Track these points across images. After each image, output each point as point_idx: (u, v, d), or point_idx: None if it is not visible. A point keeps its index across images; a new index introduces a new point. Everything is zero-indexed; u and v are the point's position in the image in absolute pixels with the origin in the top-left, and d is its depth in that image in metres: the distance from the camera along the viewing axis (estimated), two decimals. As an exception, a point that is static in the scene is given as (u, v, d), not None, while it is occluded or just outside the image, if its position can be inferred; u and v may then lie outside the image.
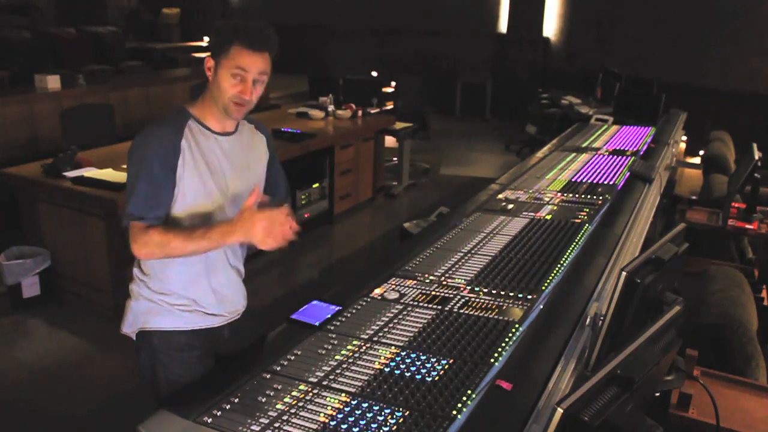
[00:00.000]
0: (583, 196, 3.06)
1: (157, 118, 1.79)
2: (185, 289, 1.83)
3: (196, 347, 1.84)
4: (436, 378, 1.56)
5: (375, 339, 1.76)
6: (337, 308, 1.93)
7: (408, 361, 1.64)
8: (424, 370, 1.59)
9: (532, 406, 1.48)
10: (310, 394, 1.51)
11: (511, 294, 2.02)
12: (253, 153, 1.93)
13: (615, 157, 3.89)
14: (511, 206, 2.89)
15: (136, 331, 1.86)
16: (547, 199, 3.00)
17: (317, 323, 1.84)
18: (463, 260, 2.29)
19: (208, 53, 1.77)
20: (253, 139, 1.94)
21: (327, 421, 1.41)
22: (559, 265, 2.23)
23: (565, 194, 3.08)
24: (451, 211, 2.97)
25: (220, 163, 1.80)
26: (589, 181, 3.33)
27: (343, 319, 1.88)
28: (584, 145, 4.31)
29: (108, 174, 3.71)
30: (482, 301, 1.97)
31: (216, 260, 1.86)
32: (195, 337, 1.85)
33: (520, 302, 1.97)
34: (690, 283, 2.78)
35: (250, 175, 1.89)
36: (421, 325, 1.82)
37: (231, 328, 1.95)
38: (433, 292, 2.04)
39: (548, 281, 2.11)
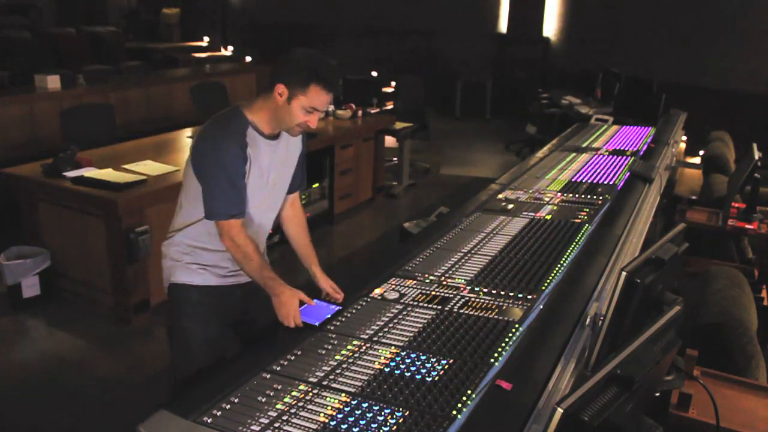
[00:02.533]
0: (583, 196, 3.06)
1: (218, 120, 1.97)
2: (206, 253, 2.05)
3: (204, 303, 2.06)
4: (436, 378, 1.56)
5: (375, 339, 1.76)
6: (338, 308, 1.93)
7: (408, 361, 1.64)
8: (424, 370, 1.59)
9: (532, 406, 1.48)
10: (310, 394, 1.51)
11: (511, 294, 2.02)
12: (292, 150, 2.14)
13: (615, 157, 3.89)
14: (511, 206, 2.89)
15: (167, 286, 2.11)
16: (547, 199, 3.00)
17: (317, 323, 1.84)
18: (463, 260, 2.29)
19: (279, 78, 1.89)
20: (295, 138, 2.11)
21: (327, 421, 1.41)
22: (559, 265, 2.23)
23: (565, 194, 3.08)
24: (451, 211, 2.97)
25: (269, 163, 2.02)
26: (589, 181, 3.33)
27: (343, 319, 1.88)
28: (584, 145, 4.31)
29: (108, 174, 3.71)
30: (482, 301, 1.97)
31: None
32: (204, 294, 2.06)
33: (520, 302, 1.97)
34: (690, 283, 2.79)
35: (288, 169, 2.14)
36: (421, 325, 1.82)
37: (243, 290, 2.12)
38: (433, 292, 2.04)
39: (548, 281, 2.11)
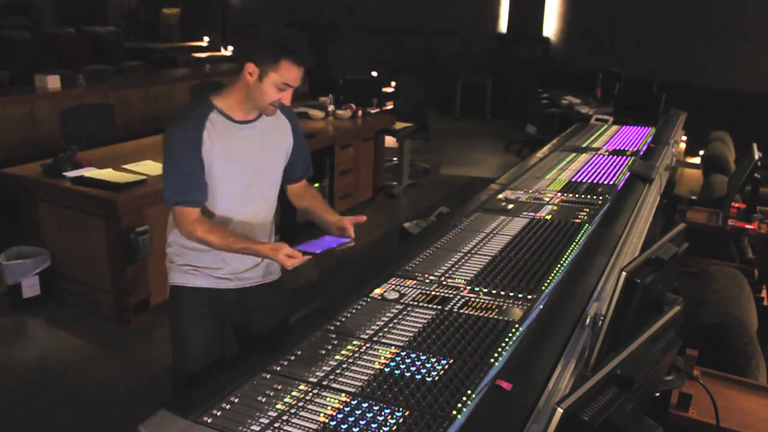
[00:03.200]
0: (583, 196, 3.06)
1: (184, 109, 1.96)
2: (196, 254, 2.02)
3: (199, 305, 2.03)
4: (436, 378, 1.56)
5: (375, 339, 1.76)
6: (345, 240, 1.97)
7: (408, 361, 1.64)
8: (424, 370, 1.59)
9: (532, 406, 1.48)
10: (310, 394, 1.51)
11: (511, 294, 2.02)
12: (275, 137, 2.06)
13: (615, 157, 3.89)
14: (511, 206, 2.89)
15: (169, 287, 2.09)
16: (547, 199, 3.00)
17: (318, 251, 1.87)
18: (463, 260, 2.29)
19: (248, 57, 1.84)
20: (277, 124, 2.06)
21: (327, 421, 1.41)
22: (559, 265, 2.23)
23: (565, 194, 3.08)
24: (451, 211, 2.97)
25: (241, 148, 1.95)
26: (589, 181, 3.33)
27: (343, 319, 1.88)
28: (584, 145, 4.31)
29: (108, 174, 3.71)
30: (482, 301, 1.97)
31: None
32: (199, 296, 2.03)
33: (520, 302, 1.97)
34: (690, 283, 2.79)
35: (272, 158, 2.06)
36: (421, 325, 1.82)
37: (239, 294, 2.10)
38: (433, 292, 2.04)
39: (548, 281, 2.11)
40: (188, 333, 2.02)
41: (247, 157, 1.97)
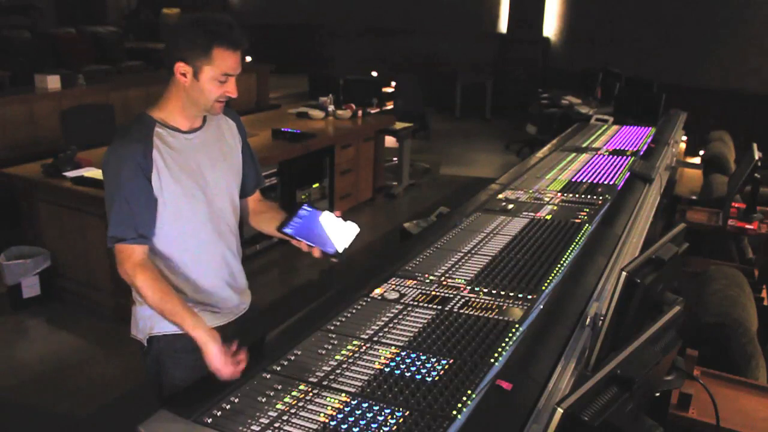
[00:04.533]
0: (583, 196, 3.06)
1: (120, 130, 1.72)
2: (193, 291, 1.82)
3: (198, 348, 1.78)
4: (436, 378, 1.56)
5: (375, 339, 1.76)
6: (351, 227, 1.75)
7: (408, 361, 1.64)
8: (424, 370, 1.59)
9: (532, 406, 1.48)
10: (310, 394, 1.51)
11: (511, 294, 2.02)
12: (226, 141, 1.87)
13: (615, 157, 3.89)
14: (511, 206, 2.89)
15: (146, 337, 1.85)
16: (547, 199, 3.00)
17: (333, 251, 1.72)
18: (463, 260, 2.29)
19: (175, 57, 1.65)
20: (222, 127, 1.87)
21: (327, 421, 1.41)
22: (559, 265, 2.23)
23: (565, 194, 3.08)
24: (451, 211, 2.97)
25: (195, 160, 1.75)
26: (589, 181, 3.33)
27: (343, 319, 1.88)
28: (584, 145, 4.31)
29: (108, 174, 3.70)
30: (482, 301, 1.97)
31: (216, 257, 1.85)
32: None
33: (520, 302, 1.97)
34: (690, 283, 2.78)
35: (226, 165, 1.86)
36: (421, 325, 1.82)
37: (234, 326, 1.93)
38: (433, 292, 2.04)
39: (548, 281, 2.11)
40: (183, 380, 1.75)
41: (205, 169, 1.77)
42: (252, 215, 2.02)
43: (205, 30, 1.62)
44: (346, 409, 1.45)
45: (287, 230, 1.73)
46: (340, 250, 1.69)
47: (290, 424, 1.40)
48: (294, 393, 1.51)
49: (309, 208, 1.73)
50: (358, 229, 1.72)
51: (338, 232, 1.73)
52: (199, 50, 1.62)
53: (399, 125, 6.13)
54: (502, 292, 2.03)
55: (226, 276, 1.89)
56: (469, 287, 2.07)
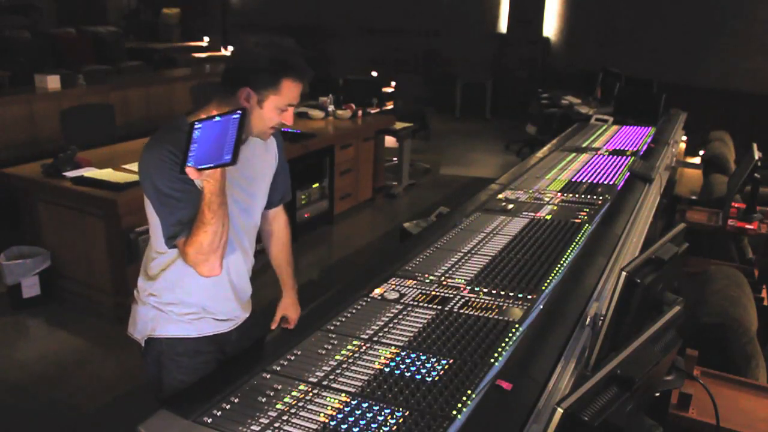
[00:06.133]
0: (583, 196, 3.06)
1: (159, 131, 1.67)
2: (201, 297, 1.77)
3: (202, 352, 1.80)
4: (436, 378, 1.56)
5: (375, 339, 1.76)
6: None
7: (408, 361, 1.64)
8: (424, 370, 1.59)
9: (532, 406, 1.48)
10: (310, 394, 1.51)
11: (511, 294, 2.02)
12: (264, 159, 1.85)
13: (615, 157, 3.89)
14: (511, 206, 2.89)
15: (144, 338, 1.83)
16: (547, 199, 3.00)
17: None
18: (463, 260, 2.29)
19: (242, 82, 1.57)
20: (264, 145, 1.83)
21: (327, 421, 1.41)
22: (559, 265, 2.23)
23: (565, 194, 3.08)
24: (451, 211, 2.97)
25: (230, 174, 1.63)
26: (589, 181, 3.33)
27: (343, 319, 1.88)
28: (584, 145, 4.31)
29: (108, 174, 3.71)
30: (482, 301, 1.97)
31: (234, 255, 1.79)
32: (203, 343, 1.80)
33: (520, 302, 1.97)
34: (690, 283, 2.78)
35: (258, 184, 1.83)
36: (421, 325, 1.82)
37: (239, 331, 1.90)
38: (433, 292, 2.04)
39: (548, 281, 2.11)
40: (184, 382, 1.76)
41: (238, 185, 1.73)
42: (265, 225, 1.99)
43: (276, 60, 1.59)
44: (346, 409, 1.45)
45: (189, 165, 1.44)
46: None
47: (290, 424, 1.40)
48: (294, 393, 1.51)
49: (200, 124, 1.46)
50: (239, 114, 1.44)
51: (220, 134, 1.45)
52: (268, 80, 1.60)
53: (399, 125, 6.13)
54: (502, 292, 2.03)
55: (236, 289, 1.85)
56: (469, 287, 2.07)
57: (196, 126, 1.44)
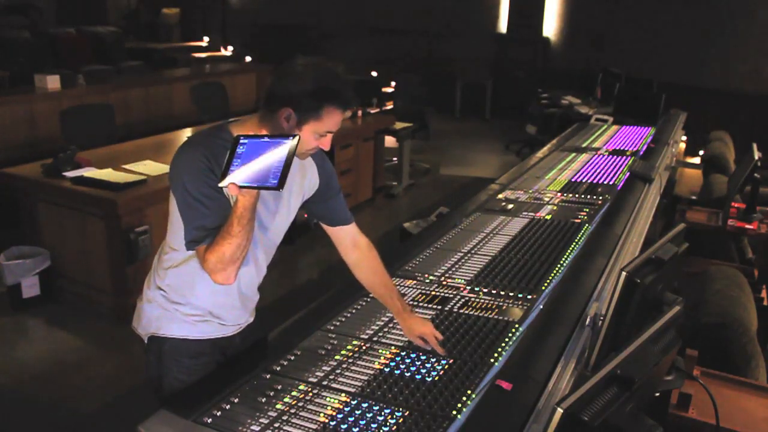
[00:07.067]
0: (583, 196, 3.06)
1: (199, 134, 1.67)
2: (208, 302, 1.76)
3: (205, 354, 1.79)
4: (436, 378, 1.56)
5: (375, 339, 1.76)
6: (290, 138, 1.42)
7: (408, 361, 1.64)
8: (424, 370, 1.59)
9: (532, 406, 1.48)
10: (310, 394, 1.51)
11: (511, 294, 2.02)
12: (292, 181, 1.76)
13: (615, 157, 3.89)
14: (511, 206, 2.89)
15: (148, 335, 1.82)
16: (547, 199, 3.00)
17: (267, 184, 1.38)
18: (463, 260, 2.29)
19: (285, 101, 1.55)
20: (301, 164, 1.78)
21: (327, 421, 1.41)
22: (559, 265, 2.23)
23: (565, 194, 3.08)
24: (451, 211, 2.97)
25: (263, 194, 1.62)
26: (589, 181, 3.33)
27: (343, 319, 1.88)
28: (584, 145, 4.31)
29: (108, 174, 3.71)
30: (482, 301, 1.97)
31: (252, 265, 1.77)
32: (206, 345, 1.79)
33: (520, 302, 1.97)
34: (690, 283, 2.78)
35: (282, 201, 1.77)
36: (421, 325, 1.82)
37: (242, 335, 1.89)
38: (433, 292, 2.04)
39: (548, 281, 2.11)
40: (184, 382, 1.75)
41: (266, 200, 1.71)
42: (350, 260, 1.94)
43: (322, 86, 1.56)
44: (346, 409, 1.45)
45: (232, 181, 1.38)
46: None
47: (290, 424, 1.40)
48: (294, 393, 1.51)
49: (246, 140, 1.41)
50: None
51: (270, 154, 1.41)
52: (312, 104, 1.57)
53: (399, 125, 6.13)
54: (502, 292, 2.03)
55: (243, 299, 1.83)
56: (469, 287, 2.07)
57: (241, 141, 1.40)
